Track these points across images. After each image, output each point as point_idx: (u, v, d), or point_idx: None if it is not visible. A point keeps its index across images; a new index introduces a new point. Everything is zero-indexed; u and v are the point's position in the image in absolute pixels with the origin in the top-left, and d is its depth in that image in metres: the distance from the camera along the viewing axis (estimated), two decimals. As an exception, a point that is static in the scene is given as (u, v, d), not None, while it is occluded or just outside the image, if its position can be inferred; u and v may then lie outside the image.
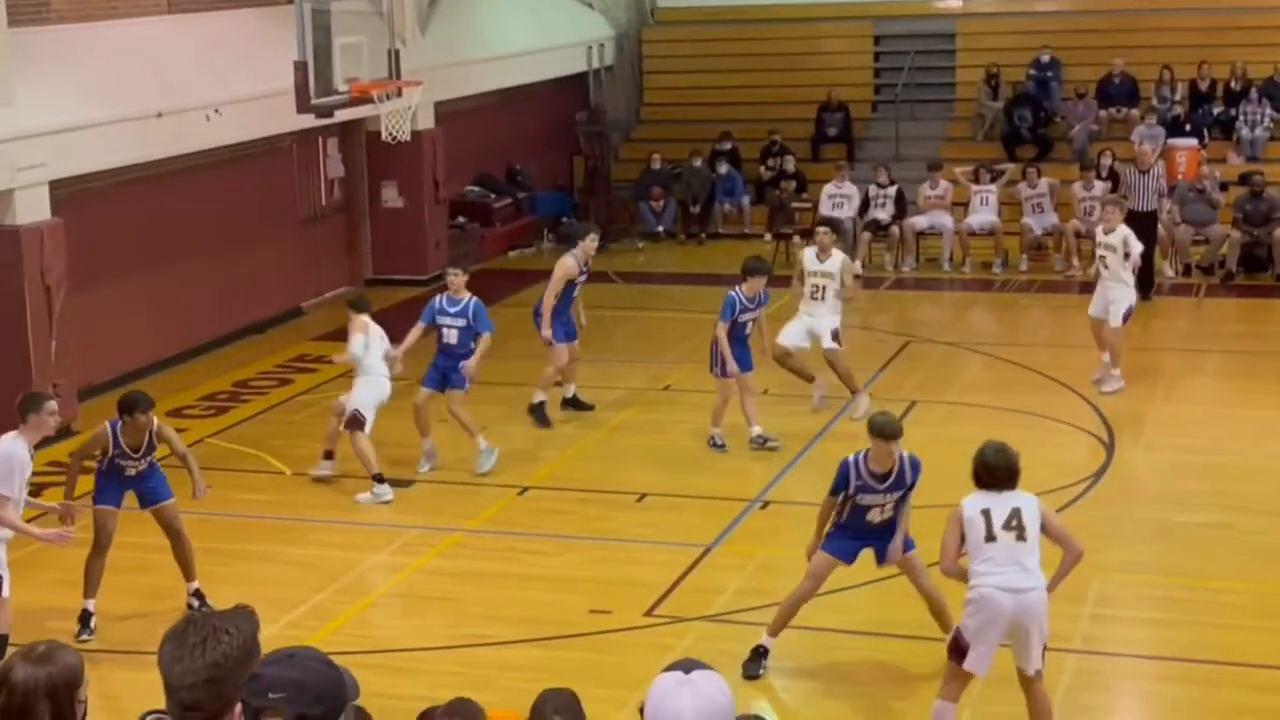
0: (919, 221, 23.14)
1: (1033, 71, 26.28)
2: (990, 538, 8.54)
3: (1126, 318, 16.19)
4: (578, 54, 27.78)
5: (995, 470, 8.69)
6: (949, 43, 27.92)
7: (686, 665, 3.62)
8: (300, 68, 15.81)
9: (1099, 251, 16.59)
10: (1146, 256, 17.98)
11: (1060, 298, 21.13)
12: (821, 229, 16.27)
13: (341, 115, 18.19)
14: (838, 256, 15.89)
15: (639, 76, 29.38)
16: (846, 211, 23.30)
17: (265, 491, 14.14)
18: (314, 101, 16.10)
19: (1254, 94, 25.03)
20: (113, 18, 17.58)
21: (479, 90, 24.27)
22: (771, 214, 24.82)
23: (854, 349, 16.94)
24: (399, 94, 17.89)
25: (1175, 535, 12.44)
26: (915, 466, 9.82)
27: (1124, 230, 16.30)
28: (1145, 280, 18.74)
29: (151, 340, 18.28)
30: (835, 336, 15.65)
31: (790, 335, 15.70)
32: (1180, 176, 23.19)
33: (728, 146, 26.37)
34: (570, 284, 15.78)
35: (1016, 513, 8.58)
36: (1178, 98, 25.59)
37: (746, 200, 25.90)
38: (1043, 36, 26.62)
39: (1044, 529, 8.63)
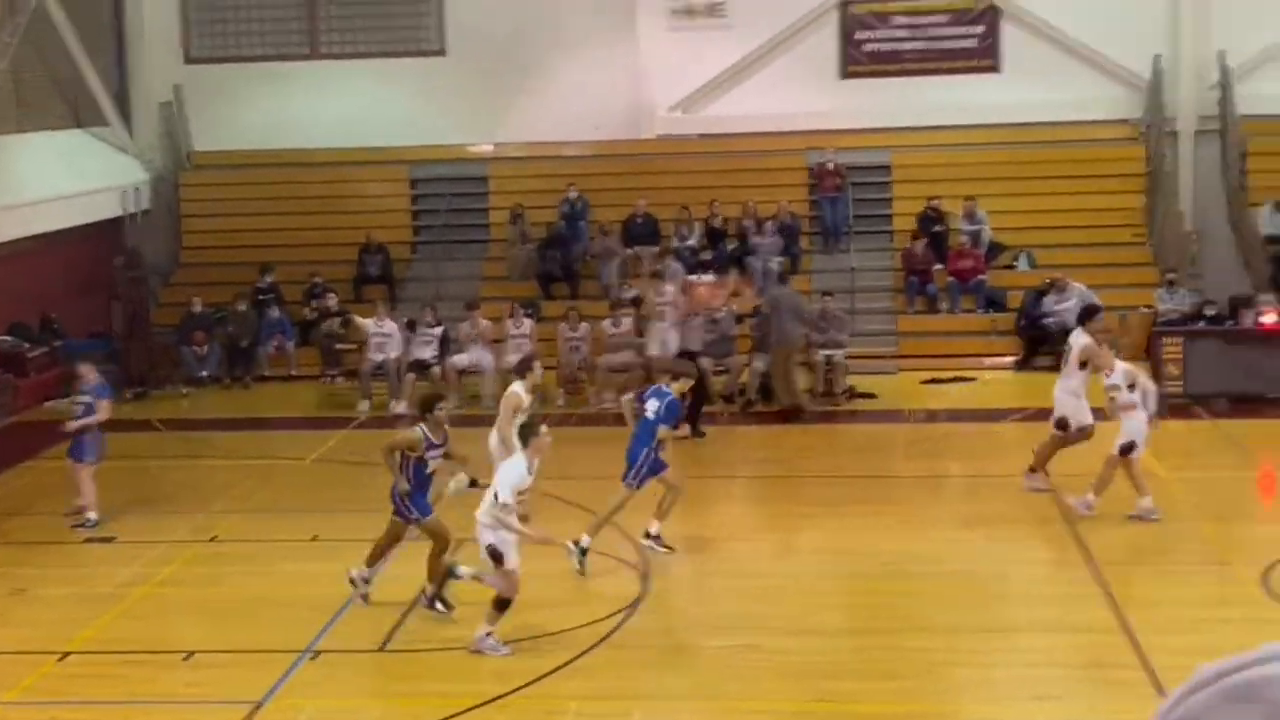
0: (460, 360, 23.40)
1: (564, 209, 27.11)
2: None
3: (1125, 450, 15.99)
4: (112, 198, 27.06)
5: None
6: (482, 185, 28.51)
7: None
8: None
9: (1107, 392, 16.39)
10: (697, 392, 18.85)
11: (597, 430, 21.68)
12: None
13: None
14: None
15: (177, 220, 28.81)
16: (391, 351, 23.36)
17: None
18: None
19: (766, 229, 26.46)
20: None
21: (9, 238, 23.29)
22: (324, 355, 24.73)
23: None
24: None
25: (708, 659, 12.85)
26: None
27: (1122, 366, 16.34)
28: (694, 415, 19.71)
29: None
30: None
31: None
32: (700, 310, 24.20)
33: (268, 282, 26.13)
34: None
35: None
36: (695, 236, 26.81)
37: (291, 344, 25.65)
38: (569, 179, 27.51)
39: None
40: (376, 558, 14.07)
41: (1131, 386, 16.04)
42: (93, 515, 16.93)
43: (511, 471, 12.83)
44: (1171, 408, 21.72)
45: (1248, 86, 27.35)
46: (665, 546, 15.46)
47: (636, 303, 23.94)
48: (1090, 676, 12.37)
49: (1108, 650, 12.58)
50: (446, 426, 14.08)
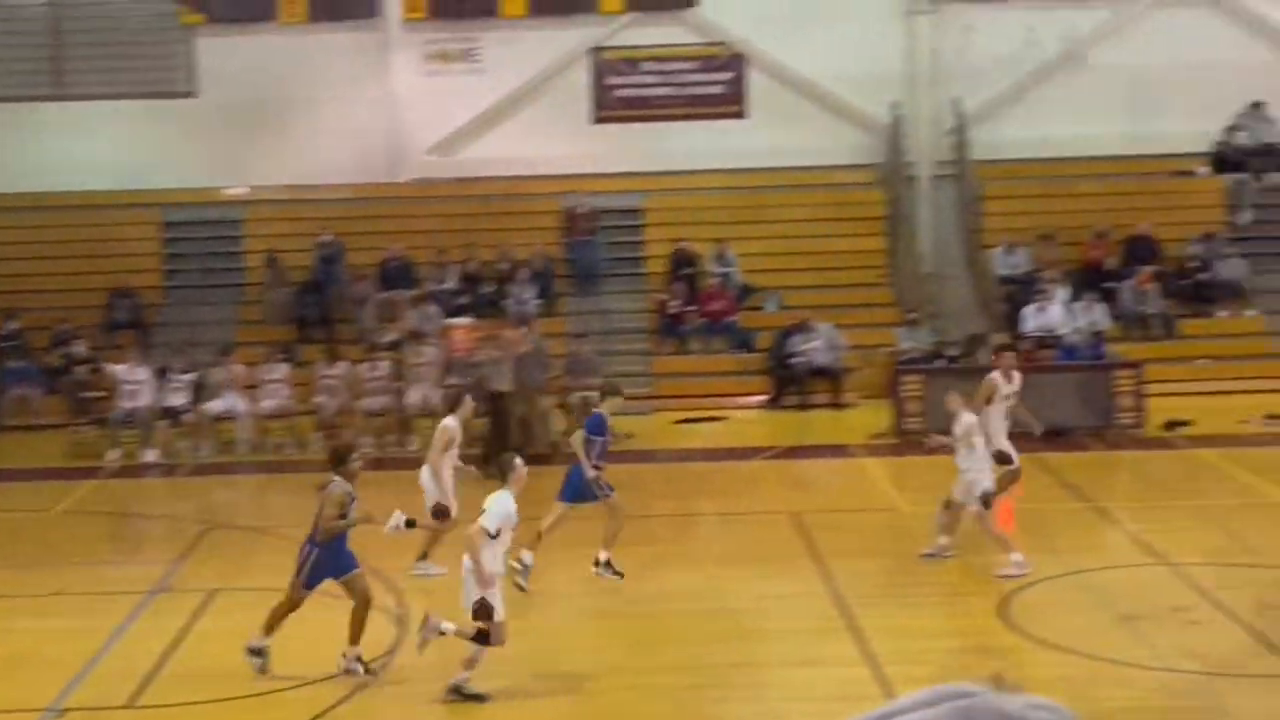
0: (214, 406, 22.97)
1: (319, 253, 26.84)
2: None
3: (981, 502, 15.62)
4: None
5: None
6: (236, 229, 28.08)
7: None
8: None
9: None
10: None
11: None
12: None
13: None
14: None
15: (-84, 265, 27.73)
16: (142, 399, 22.82)
17: None
18: None
19: (520, 274, 26.57)
20: None
21: None
22: (72, 403, 24.02)
23: (151, 539, 16.56)
24: None
25: (467, 710, 12.78)
26: None
27: (967, 418, 15.75)
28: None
29: None
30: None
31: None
32: (457, 353, 24.19)
33: (12, 329, 25.35)
34: None
35: None
36: (452, 280, 26.77)
37: (38, 392, 24.88)
38: (324, 222, 27.24)
39: None
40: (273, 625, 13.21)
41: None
42: None
43: (500, 506, 12.51)
44: (913, 444, 22.40)
45: (982, 132, 28.38)
46: (615, 573, 15.50)
47: (393, 346, 23.83)
48: (834, 710, 12.65)
49: (852, 683, 12.89)
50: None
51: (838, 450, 22.08)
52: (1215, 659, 13.10)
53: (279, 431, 23.07)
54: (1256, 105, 28.55)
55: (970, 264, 27.94)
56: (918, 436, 16.13)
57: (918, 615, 14.88)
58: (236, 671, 12.97)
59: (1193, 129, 28.35)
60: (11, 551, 17.78)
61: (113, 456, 22.56)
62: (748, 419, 24.22)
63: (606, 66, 28.43)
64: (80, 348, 24.93)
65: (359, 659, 13.04)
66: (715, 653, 13.64)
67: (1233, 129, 28.62)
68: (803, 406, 24.82)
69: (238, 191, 28.42)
